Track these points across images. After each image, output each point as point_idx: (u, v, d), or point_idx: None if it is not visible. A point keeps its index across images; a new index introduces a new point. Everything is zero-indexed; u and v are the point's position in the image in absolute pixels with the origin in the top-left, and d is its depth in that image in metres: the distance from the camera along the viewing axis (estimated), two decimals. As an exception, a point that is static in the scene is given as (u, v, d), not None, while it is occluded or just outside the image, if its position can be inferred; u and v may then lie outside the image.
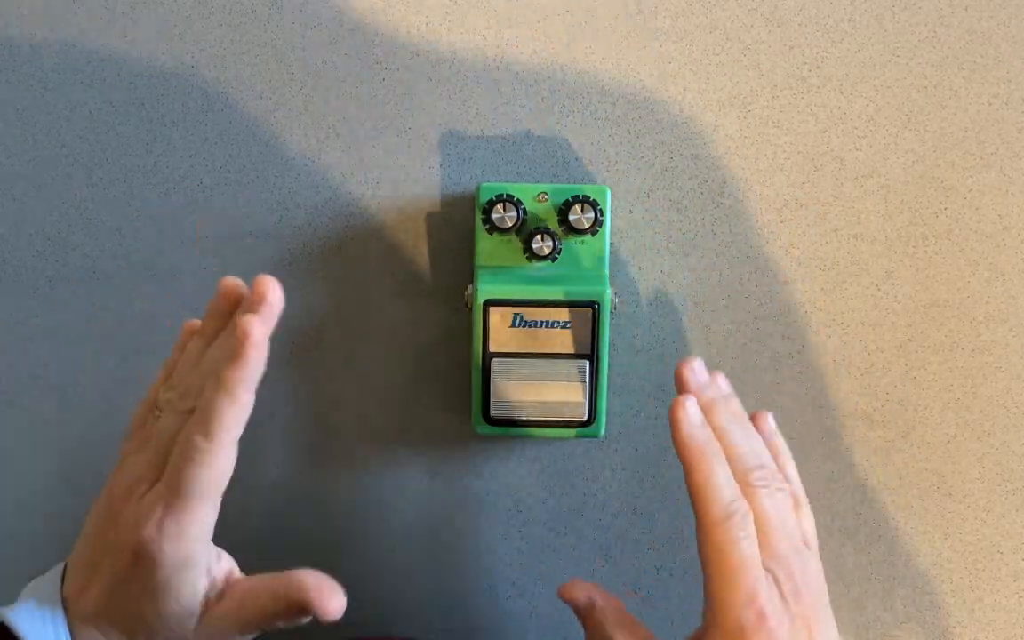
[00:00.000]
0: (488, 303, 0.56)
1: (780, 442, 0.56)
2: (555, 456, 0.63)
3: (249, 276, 0.62)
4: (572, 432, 0.58)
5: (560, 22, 0.61)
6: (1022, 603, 0.63)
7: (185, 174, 0.62)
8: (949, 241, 0.61)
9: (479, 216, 0.58)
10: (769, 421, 0.56)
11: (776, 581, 0.48)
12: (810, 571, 0.50)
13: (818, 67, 0.60)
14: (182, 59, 0.61)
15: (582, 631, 0.64)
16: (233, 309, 0.49)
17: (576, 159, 0.61)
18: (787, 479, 0.53)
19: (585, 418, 0.57)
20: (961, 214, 0.61)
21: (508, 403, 0.57)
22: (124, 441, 0.50)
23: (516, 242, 0.58)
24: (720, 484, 0.48)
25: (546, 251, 0.57)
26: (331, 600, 0.49)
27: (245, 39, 0.61)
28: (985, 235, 0.61)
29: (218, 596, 0.48)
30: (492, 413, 0.57)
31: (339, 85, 0.61)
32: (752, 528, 0.48)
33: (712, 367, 0.61)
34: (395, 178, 0.62)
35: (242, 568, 0.64)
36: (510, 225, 0.57)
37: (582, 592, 0.53)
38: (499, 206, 0.57)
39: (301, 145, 0.62)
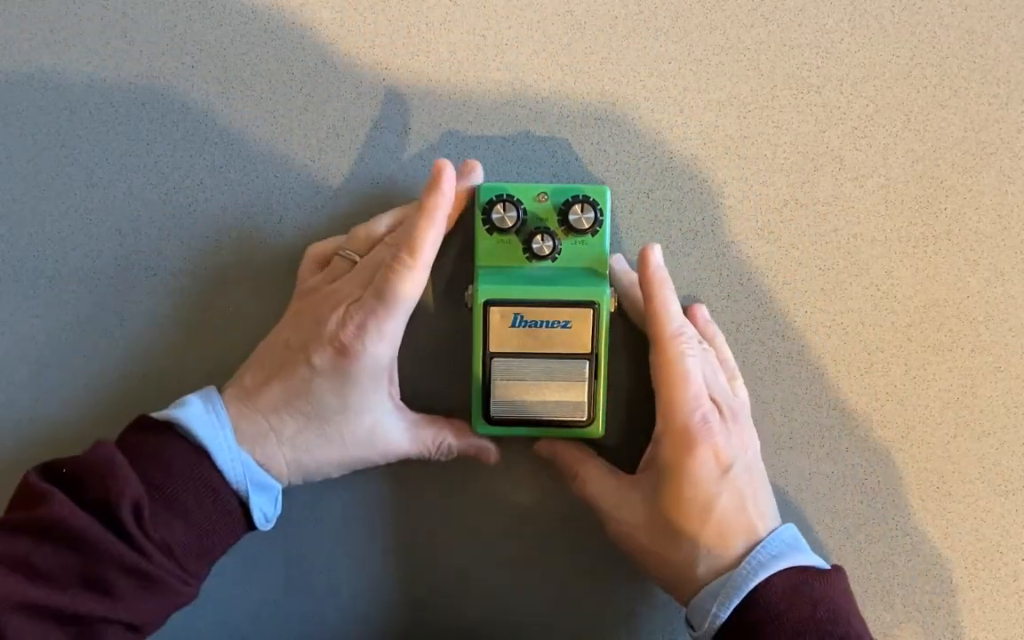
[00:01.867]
0: (488, 303, 0.56)
1: (715, 328, 0.61)
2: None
3: (247, 276, 0.62)
4: (572, 432, 0.58)
5: (560, 22, 0.61)
6: (1022, 603, 0.63)
7: (185, 174, 0.62)
8: (949, 241, 0.61)
9: (479, 216, 0.58)
10: (703, 311, 0.61)
11: (716, 404, 0.55)
12: (742, 414, 0.57)
13: (818, 67, 0.60)
14: (182, 59, 0.61)
15: (581, 630, 0.64)
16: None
17: (576, 159, 0.61)
18: (724, 359, 0.60)
19: (585, 418, 0.57)
20: (961, 214, 0.61)
21: (508, 403, 0.57)
22: (303, 270, 0.60)
23: (516, 242, 0.58)
24: (674, 310, 0.56)
25: (546, 251, 0.57)
26: (494, 455, 0.61)
27: (245, 39, 0.61)
28: (985, 235, 0.61)
29: (393, 412, 0.57)
30: (493, 413, 0.57)
31: (339, 85, 0.61)
32: (698, 351, 0.56)
33: (712, 367, 0.62)
34: (395, 178, 0.62)
35: (240, 567, 0.64)
36: (510, 225, 0.57)
37: (543, 450, 0.61)
38: (499, 206, 0.57)
39: (301, 145, 0.62)
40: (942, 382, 0.62)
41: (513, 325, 0.56)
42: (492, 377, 0.57)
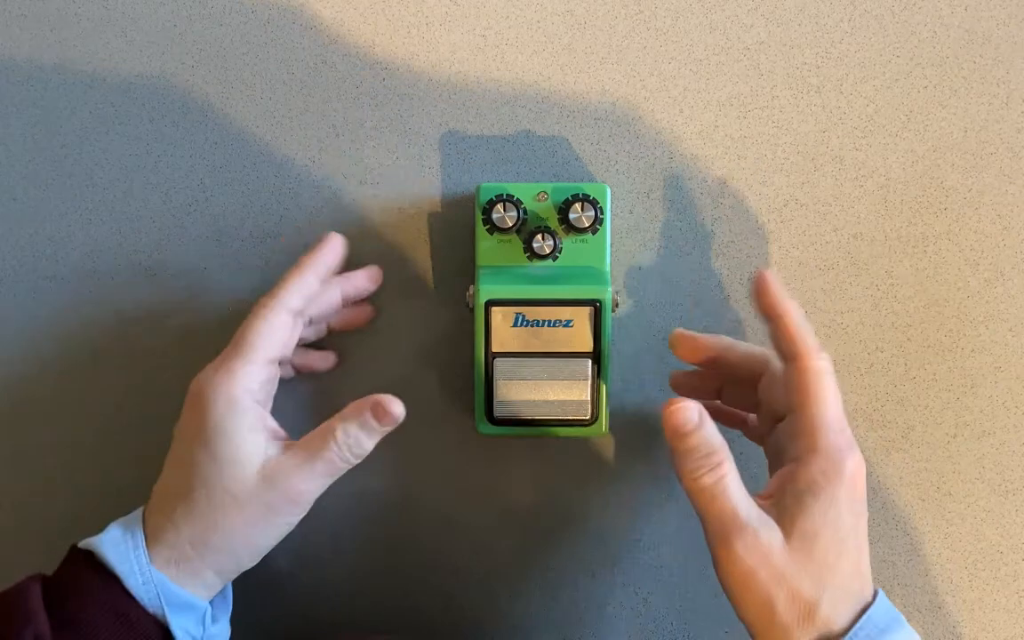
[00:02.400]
0: (490, 303, 0.56)
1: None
2: (557, 455, 0.63)
3: (245, 278, 0.62)
4: (575, 431, 0.58)
5: (560, 22, 0.61)
6: (1022, 603, 0.63)
7: (185, 174, 0.62)
8: (949, 241, 0.61)
9: (479, 216, 0.58)
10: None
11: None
12: None
13: (818, 67, 0.60)
14: (182, 60, 0.61)
15: (582, 631, 0.64)
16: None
17: (576, 159, 0.61)
18: None
19: (589, 417, 0.57)
20: (961, 214, 0.61)
21: (511, 403, 0.57)
22: None
23: (517, 242, 0.58)
24: (809, 328, 0.51)
25: (547, 250, 0.57)
26: (391, 402, 0.53)
27: (245, 39, 0.61)
28: (985, 235, 0.61)
29: (280, 450, 0.52)
30: (495, 413, 0.57)
31: (339, 85, 0.61)
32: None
33: (712, 367, 0.62)
34: (395, 178, 0.62)
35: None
36: (510, 225, 0.57)
37: (693, 408, 0.50)
38: (499, 206, 0.57)
39: (301, 145, 0.61)
40: (942, 382, 0.62)
41: (515, 325, 0.56)
42: (494, 377, 0.57)
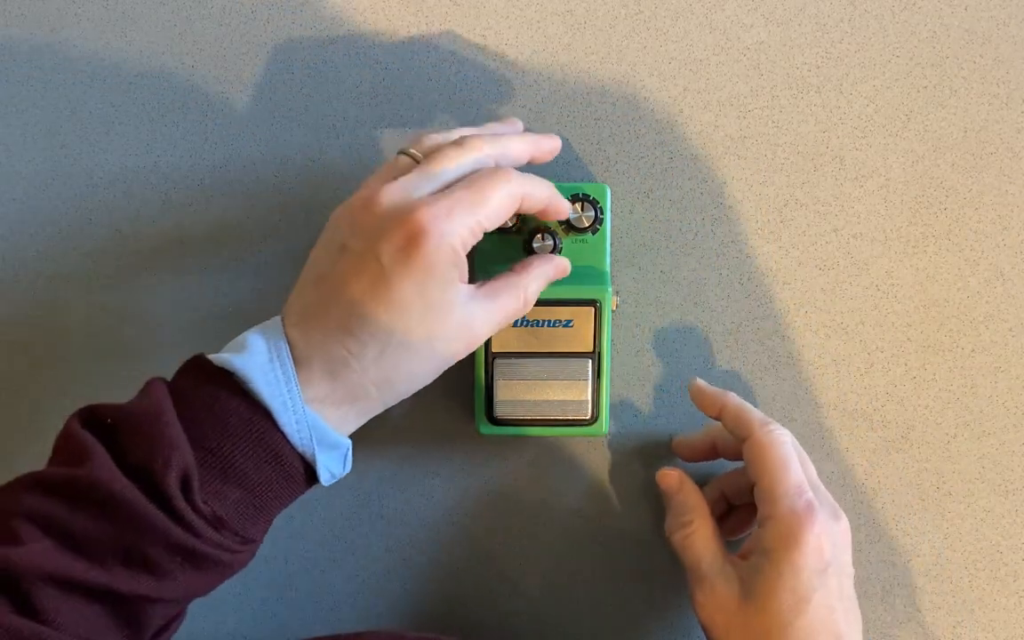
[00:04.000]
0: (490, 303, 0.56)
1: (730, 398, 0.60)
2: (558, 455, 0.63)
3: (245, 278, 0.62)
4: (575, 431, 0.58)
5: (560, 22, 0.61)
6: (1022, 603, 0.63)
7: (185, 174, 0.62)
8: (949, 241, 0.61)
9: (480, 216, 0.58)
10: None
11: (818, 494, 0.53)
12: (838, 510, 0.55)
13: (818, 67, 0.60)
14: (182, 59, 0.61)
15: (582, 631, 0.64)
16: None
17: (576, 159, 0.61)
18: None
19: (589, 416, 0.57)
20: (961, 214, 0.61)
21: (512, 403, 0.57)
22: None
23: (517, 242, 0.58)
24: (752, 408, 0.56)
25: (547, 250, 0.57)
26: (566, 260, 0.56)
27: (245, 39, 0.61)
28: (985, 235, 0.61)
29: (471, 296, 0.50)
30: (496, 413, 0.57)
31: (339, 85, 0.61)
32: (791, 441, 0.54)
33: (712, 366, 0.62)
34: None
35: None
36: (510, 225, 0.57)
37: (675, 476, 0.58)
38: (500, 206, 0.57)
39: (301, 145, 0.61)
40: (942, 382, 0.62)
41: (515, 324, 0.56)
42: (495, 377, 0.57)
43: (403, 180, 0.49)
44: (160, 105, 0.61)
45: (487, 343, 0.56)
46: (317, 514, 0.63)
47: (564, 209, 0.54)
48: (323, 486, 0.50)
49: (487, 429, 0.58)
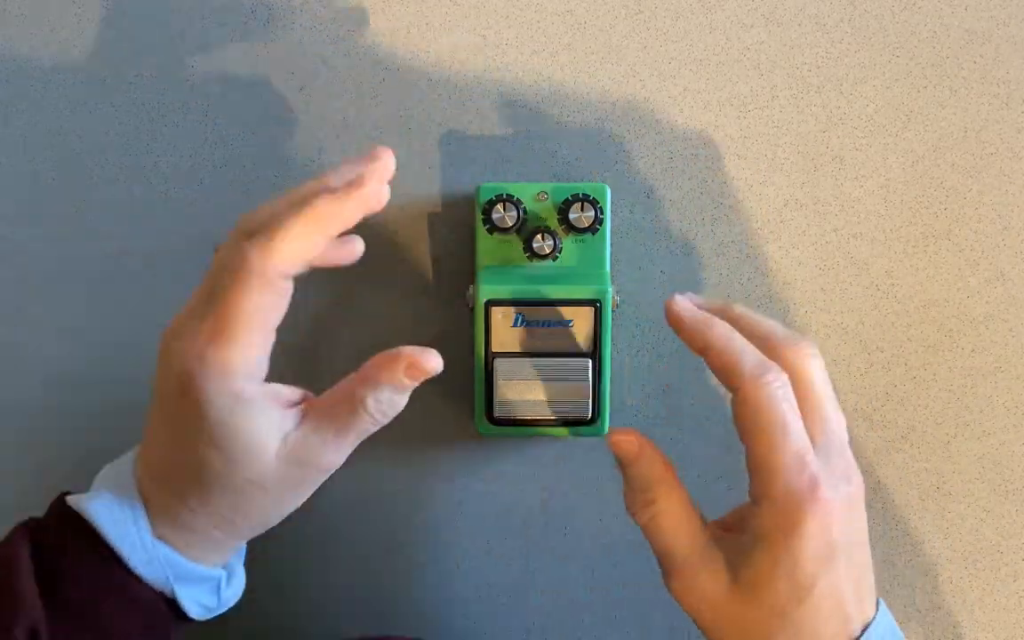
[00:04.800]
0: (490, 303, 0.56)
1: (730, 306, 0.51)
2: (557, 455, 0.63)
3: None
4: (576, 431, 0.58)
5: (560, 22, 0.61)
6: (1022, 603, 0.63)
7: (185, 174, 0.62)
8: (949, 241, 0.61)
9: (479, 216, 0.58)
10: (690, 298, 0.51)
11: (827, 456, 0.45)
12: (845, 452, 0.47)
13: (818, 67, 0.60)
14: (182, 59, 0.61)
15: (582, 632, 0.64)
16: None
17: (576, 159, 0.61)
18: (762, 334, 0.48)
19: (589, 417, 0.57)
20: (961, 214, 0.61)
21: (511, 403, 0.57)
22: None
23: (517, 241, 0.58)
24: (743, 348, 0.45)
25: (547, 250, 0.57)
26: (428, 356, 0.45)
27: (245, 39, 0.61)
28: (985, 235, 0.61)
29: (298, 421, 0.45)
30: (495, 413, 0.57)
31: (339, 85, 0.61)
32: (791, 393, 0.45)
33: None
34: (395, 178, 0.61)
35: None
36: (510, 225, 0.57)
37: (633, 440, 0.48)
38: (499, 206, 0.57)
39: (301, 145, 0.61)
40: (942, 382, 0.62)
41: (515, 325, 0.56)
42: (494, 377, 0.57)
43: (177, 316, 0.45)
44: (160, 105, 0.61)
45: (487, 343, 0.56)
46: (316, 514, 0.63)
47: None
48: (200, 621, 0.47)
49: (487, 429, 0.58)
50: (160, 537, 0.45)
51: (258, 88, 0.61)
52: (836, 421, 0.47)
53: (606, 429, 0.58)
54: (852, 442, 0.62)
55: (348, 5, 0.61)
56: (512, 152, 0.61)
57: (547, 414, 0.57)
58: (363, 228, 0.62)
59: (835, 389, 0.61)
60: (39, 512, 0.49)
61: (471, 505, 0.63)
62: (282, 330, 0.62)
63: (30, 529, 0.47)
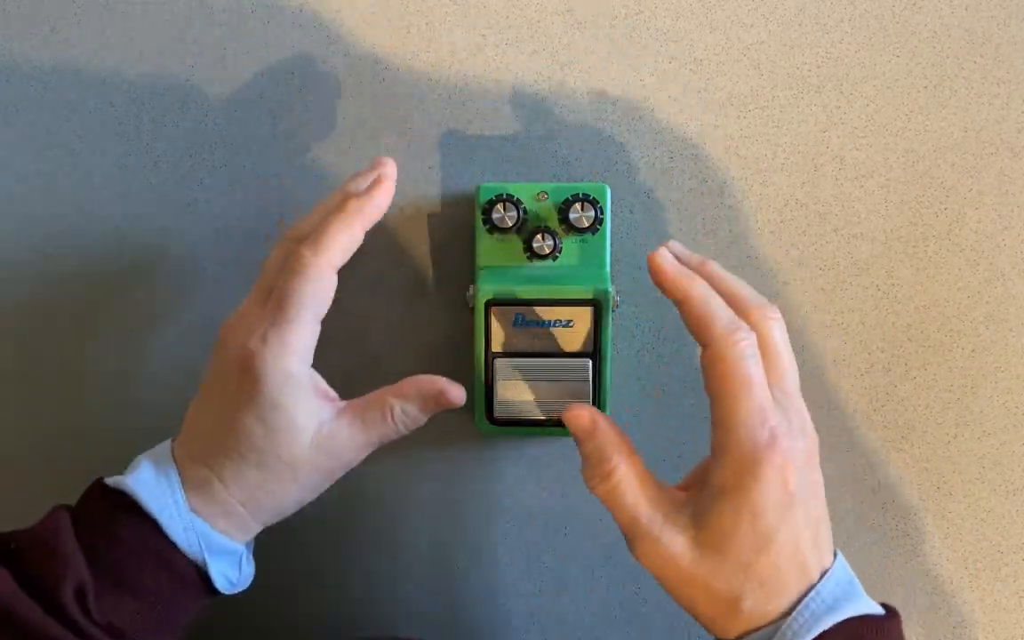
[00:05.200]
0: (490, 303, 0.56)
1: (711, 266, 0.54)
2: (557, 455, 0.63)
3: (247, 276, 0.62)
4: None
5: (560, 22, 0.61)
6: (1022, 603, 0.63)
7: (185, 174, 0.62)
8: (949, 241, 0.61)
9: (479, 216, 0.58)
10: (676, 247, 0.55)
11: (785, 413, 0.47)
12: (802, 409, 0.50)
13: (818, 67, 0.60)
14: (182, 59, 0.61)
15: (582, 631, 0.64)
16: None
17: (576, 159, 0.61)
18: (736, 295, 0.51)
19: (589, 417, 0.57)
20: (961, 214, 0.61)
21: (511, 403, 0.57)
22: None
23: (517, 241, 0.58)
24: (718, 306, 0.48)
25: (547, 250, 0.57)
26: (456, 390, 0.53)
27: (245, 39, 0.61)
28: (985, 235, 0.61)
29: (333, 415, 0.51)
30: (495, 413, 0.57)
31: (339, 85, 0.61)
32: (758, 351, 0.47)
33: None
34: (395, 178, 0.61)
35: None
36: (510, 225, 0.57)
37: (586, 415, 0.50)
38: (499, 206, 0.57)
39: (301, 145, 0.61)
40: (942, 382, 0.62)
41: (515, 325, 0.56)
42: (494, 377, 0.57)
43: (236, 312, 0.52)
44: (160, 105, 0.61)
45: (487, 343, 0.56)
46: (316, 515, 0.63)
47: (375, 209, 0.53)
48: (224, 595, 0.52)
49: (487, 430, 0.58)
50: (193, 509, 0.50)
51: (258, 88, 0.61)
52: (793, 380, 0.50)
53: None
54: (852, 442, 0.62)
55: (348, 5, 0.61)
56: (512, 152, 0.61)
57: (547, 414, 0.57)
58: (363, 228, 0.62)
59: (835, 389, 0.62)
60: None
61: (471, 505, 0.63)
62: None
63: (68, 508, 0.50)
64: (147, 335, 0.63)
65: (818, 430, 0.62)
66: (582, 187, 0.57)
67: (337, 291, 0.62)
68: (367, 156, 0.61)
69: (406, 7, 0.61)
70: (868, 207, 0.61)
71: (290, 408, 0.49)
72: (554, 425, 0.57)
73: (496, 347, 0.57)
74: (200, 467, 0.50)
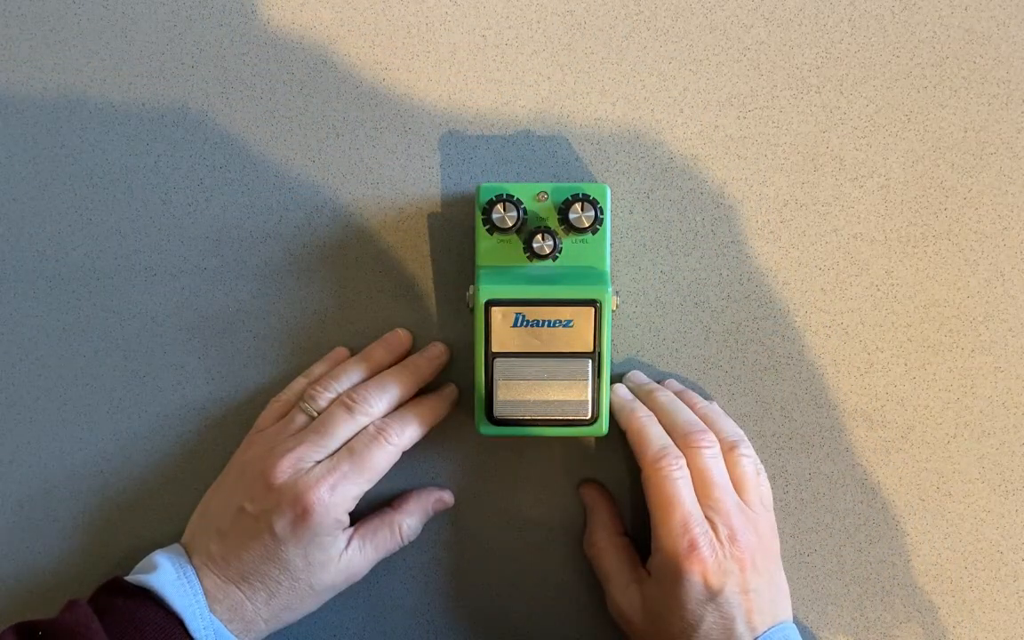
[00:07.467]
0: (490, 303, 0.56)
1: (717, 411, 0.61)
2: (557, 455, 0.63)
3: (247, 276, 0.62)
4: (575, 431, 0.58)
5: (560, 22, 0.61)
6: (1022, 603, 0.63)
7: (185, 174, 0.62)
8: (949, 241, 0.61)
9: (479, 216, 0.58)
10: (698, 399, 0.61)
11: (713, 524, 0.55)
12: (761, 524, 0.56)
13: (818, 67, 0.60)
14: (182, 59, 0.61)
15: (582, 631, 0.64)
16: (399, 352, 0.62)
17: (576, 159, 0.61)
18: (740, 442, 0.58)
19: (589, 416, 0.57)
20: (961, 214, 0.61)
21: (512, 403, 0.57)
22: (263, 421, 0.60)
23: (517, 242, 0.58)
24: (653, 434, 0.57)
25: (547, 250, 0.57)
26: (447, 494, 0.63)
27: (245, 39, 0.61)
28: (985, 235, 0.61)
29: (349, 540, 0.58)
30: (496, 413, 0.57)
31: (339, 85, 0.61)
32: (686, 471, 0.56)
33: (712, 367, 0.62)
34: (395, 178, 0.62)
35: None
36: (510, 225, 0.57)
37: (590, 494, 0.62)
38: (499, 206, 0.57)
39: (301, 145, 0.61)
40: (942, 382, 0.62)
41: (515, 325, 0.56)
42: (495, 377, 0.57)
43: (295, 452, 0.56)
44: (160, 105, 0.61)
45: (487, 343, 0.56)
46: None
47: (441, 413, 0.61)
48: None
49: (487, 429, 0.58)
50: (215, 615, 0.55)
51: (258, 89, 0.61)
52: (722, 494, 0.56)
53: (606, 429, 0.58)
54: (852, 442, 0.62)
55: (348, 5, 0.61)
56: (512, 152, 0.61)
57: (547, 414, 0.57)
58: (364, 228, 0.62)
59: (835, 389, 0.62)
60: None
61: (471, 505, 0.63)
62: (286, 329, 0.62)
63: (87, 600, 0.54)
64: (147, 335, 0.63)
65: (818, 430, 0.62)
66: (582, 187, 0.57)
67: (338, 291, 0.62)
68: (367, 156, 0.61)
69: (406, 7, 0.61)
70: (868, 207, 0.61)
71: (329, 546, 0.56)
72: (554, 425, 0.57)
73: (496, 347, 0.57)
74: (231, 589, 0.55)
